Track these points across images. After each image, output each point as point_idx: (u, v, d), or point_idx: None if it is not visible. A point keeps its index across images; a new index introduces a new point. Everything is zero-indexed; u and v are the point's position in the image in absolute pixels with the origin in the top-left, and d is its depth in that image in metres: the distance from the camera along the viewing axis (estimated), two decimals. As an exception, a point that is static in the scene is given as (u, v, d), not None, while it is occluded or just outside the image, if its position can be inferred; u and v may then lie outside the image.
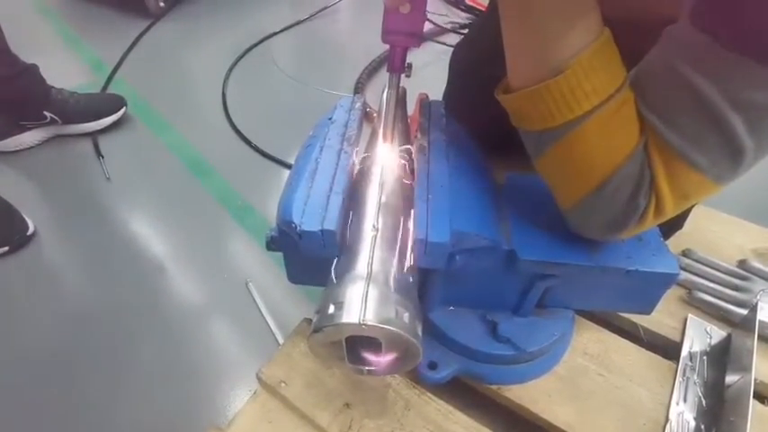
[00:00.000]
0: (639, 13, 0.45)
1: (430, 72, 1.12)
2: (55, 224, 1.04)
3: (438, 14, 1.80)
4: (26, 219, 0.99)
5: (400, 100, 0.52)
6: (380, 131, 0.49)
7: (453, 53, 0.76)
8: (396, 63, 0.45)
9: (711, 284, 0.63)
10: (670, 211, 0.39)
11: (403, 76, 0.47)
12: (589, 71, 0.36)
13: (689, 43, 0.33)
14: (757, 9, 0.29)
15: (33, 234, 0.99)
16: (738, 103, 0.32)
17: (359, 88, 1.42)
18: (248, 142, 1.25)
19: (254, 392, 0.53)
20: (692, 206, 0.57)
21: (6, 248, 0.95)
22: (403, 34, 0.43)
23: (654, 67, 0.37)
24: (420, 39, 0.43)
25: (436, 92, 0.68)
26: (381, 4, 0.43)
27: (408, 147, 0.50)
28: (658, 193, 0.38)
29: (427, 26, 1.61)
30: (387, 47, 0.45)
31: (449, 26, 1.75)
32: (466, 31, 1.72)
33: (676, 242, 0.66)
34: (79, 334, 0.84)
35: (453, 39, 1.68)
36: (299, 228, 0.40)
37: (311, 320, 0.37)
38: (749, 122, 0.33)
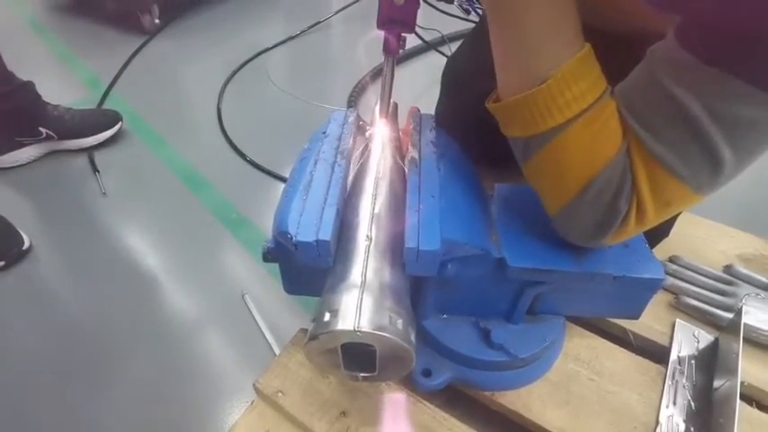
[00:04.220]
0: (627, 28, 0.47)
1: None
2: (51, 239, 1.04)
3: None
4: (22, 234, 0.99)
5: (391, 114, 0.53)
6: (376, 109, 0.52)
7: (446, 67, 0.78)
8: (391, 47, 0.48)
9: (698, 289, 0.64)
10: (652, 218, 0.41)
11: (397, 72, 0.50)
12: (570, 81, 0.37)
13: (674, 59, 0.35)
14: (738, 28, 0.31)
15: (29, 249, 0.99)
16: (719, 117, 0.34)
17: (352, 102, 1.44)
18: (243, 156, 1.26)
19: (252, 403, 0.54)
20: (677, 215, 0.58)
21: (2, 263, 0.95)
22: (397, 23, 0.46)
23: (640, 79, 0.39)
24: (413, 27, 0.46)
25: (429, 108, 0.69)
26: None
27: (400, 155, 0.52)
28: (640, 198, 0.40)
29: (427, 34, 1.63)
30: (381, 51, 0.48)
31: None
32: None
33: (663, 248, 0.68)
34: (75, 348, 0.84)
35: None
36: (294, 238, 0.40)
37: (307, 330, 0.38)
38: (729, 135, 0.34)
